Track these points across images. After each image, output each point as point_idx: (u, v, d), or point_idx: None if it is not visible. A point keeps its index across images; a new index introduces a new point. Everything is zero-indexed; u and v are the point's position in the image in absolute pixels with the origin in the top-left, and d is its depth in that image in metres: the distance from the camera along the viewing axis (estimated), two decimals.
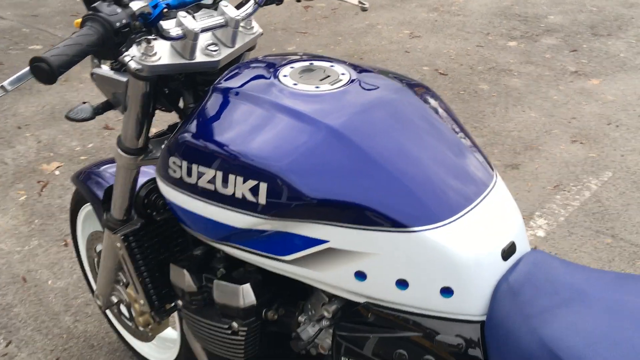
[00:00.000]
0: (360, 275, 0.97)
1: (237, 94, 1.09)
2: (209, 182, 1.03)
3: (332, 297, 1.08)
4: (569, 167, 2.96)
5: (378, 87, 1.09)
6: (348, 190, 0.94)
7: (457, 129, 1.08)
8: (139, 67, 1.13)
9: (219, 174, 1.01)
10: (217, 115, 1.08)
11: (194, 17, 1.17)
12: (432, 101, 1.11)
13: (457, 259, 0.92)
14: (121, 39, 1.01)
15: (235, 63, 1.30)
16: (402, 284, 0.95)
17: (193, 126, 1.08)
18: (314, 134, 0.98)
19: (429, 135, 1.03)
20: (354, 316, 1.03)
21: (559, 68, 4.03)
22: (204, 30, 1.16)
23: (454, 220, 0.93)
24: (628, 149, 3.11)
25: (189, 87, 1.29)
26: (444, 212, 0.94)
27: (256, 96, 1.06)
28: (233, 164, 1.00)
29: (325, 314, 1.08)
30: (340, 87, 1.07)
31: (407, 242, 0.93)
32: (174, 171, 1.08)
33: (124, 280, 1.63)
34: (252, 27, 1.28)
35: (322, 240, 0.98)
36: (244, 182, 0.99)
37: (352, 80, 1.09)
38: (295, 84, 1.08)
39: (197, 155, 1.04)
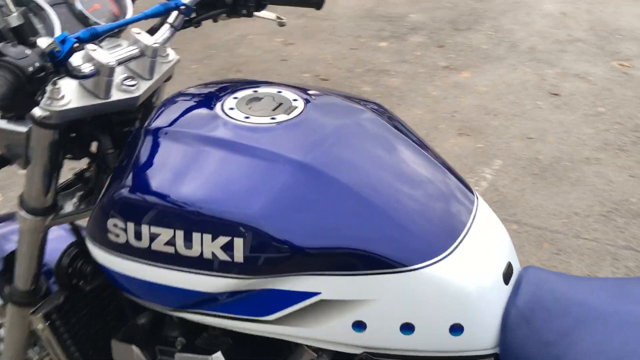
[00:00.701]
0: (359, 326, 0.87)
1: (179, 134, 0.94)
2: (166, 244, 0.87)
3: (320, 351, 0.96)
4: (462, 160, 3.05)
5: (338, 112, 0.99)
6: (335, 233, 0.84)
7: (426, 149, 1.01)
8: (46, 114, 0.94)
9: (179, 234, 0.86)
10: (161, 163, 0.92)
11: (101, 48, 1.00)
12: (393, 121, 1.03)
13: (462, 292, 0.85)
14: (35, 86, 0.83)
15: (152, 97, 1.14)
16: (407, 328, 0.86)
17: (130, 179, 0.91)
18: (285, 173, 0.86)
19: (404, 161, 0.94)
20: None
21: (431, 64, 4.16)
22: (120, 63, 0.99)
23: (452, 252, 0.86)
24: (510, 135, 3.27)
25: (103, 130, 1.12)
26: (440, 244, 0.86)
27: (205, 136, 0.92)
28: (196, 220, 0.85)
29: None
30: (298, 115, 0.96)
31: (408, 282, 0.83)
32: (117, 235, 0.90)
33: (36, 358, 1.40)
34: (168, 54, 1.13)
35: (312, 293, 0.86)
36: (214, 239, 0.84)
37: (307, 106, 0.98)
38: (247, 117, 0.95)
39: (146, 214, 0.87)
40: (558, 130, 3.32)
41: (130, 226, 0.89)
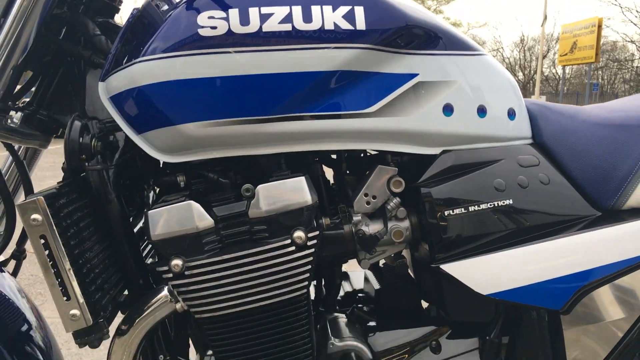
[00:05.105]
0: (448, 109, 0.95)
1: None
2: (281, 21, 0.84)
3: (396, 160, 0.99)
4: None
5: None
6: (428, 18, 0.95)
7: None
8: None
9: (297, 9, 0.85)
10: None
11: None
12: None
13: (512, 80, 1.04)
14: None
15: None
16: (481, 111, 0.98)
17: None
18: None
19: None
20: (434, 172, 0.96)
21: None
22: None
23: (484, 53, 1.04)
24: None
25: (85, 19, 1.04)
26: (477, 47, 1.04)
27: None
28: None
29: (394, 189, 0.96)
30: None
31: (480, 64, 0.99)
32: (214, 28, 0.83)
33: None
34: None
35: (412, 75, 0.92)
36: (335, 9, 0.87)
37: None
38: None
39: None
40: None
41: (234, 12, 0.84)
